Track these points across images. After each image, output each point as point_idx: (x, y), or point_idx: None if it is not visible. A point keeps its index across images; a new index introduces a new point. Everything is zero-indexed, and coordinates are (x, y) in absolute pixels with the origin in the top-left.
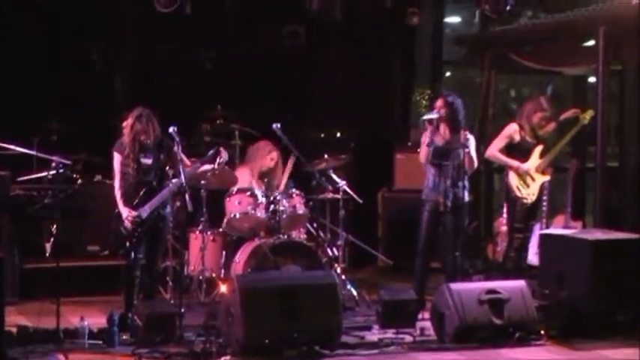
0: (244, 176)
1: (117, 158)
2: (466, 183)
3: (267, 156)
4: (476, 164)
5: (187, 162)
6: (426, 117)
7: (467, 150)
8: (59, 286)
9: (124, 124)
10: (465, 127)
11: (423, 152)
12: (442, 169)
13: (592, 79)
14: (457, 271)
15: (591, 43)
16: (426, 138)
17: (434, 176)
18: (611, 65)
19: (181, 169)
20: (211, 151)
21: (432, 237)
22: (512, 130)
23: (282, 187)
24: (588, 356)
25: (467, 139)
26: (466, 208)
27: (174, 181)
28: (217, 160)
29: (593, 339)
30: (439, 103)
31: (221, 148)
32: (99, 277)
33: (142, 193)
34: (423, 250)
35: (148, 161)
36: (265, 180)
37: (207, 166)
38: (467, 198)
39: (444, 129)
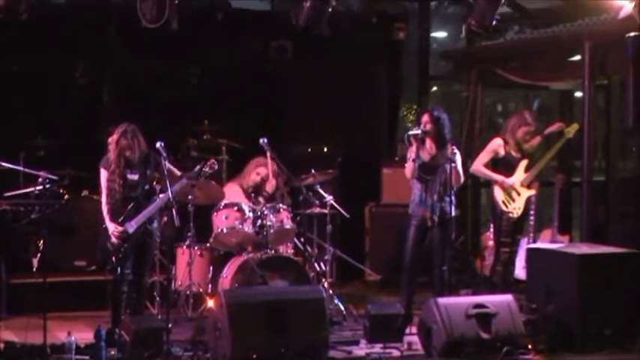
0: (234, 191)
1: (103, 174)
2: (453, 198)
3: (253, 171)
4: (462, 179)
5: (178, 173)
6: (411, 132)
7: (453, 165)
8: (46, 301)
9: (110, 139)
10: (451, 141)
11: (409, 167)
12: (428, 184)
13: (578, 94)
14: (445, 286)
15: (577, 57)
16: (411, 153)
17: (420, 191)
18: (597, 79)
19: (168, 185)
20: (198, 167)
21: (419, 252)
22: (496, 144)
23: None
24: None
25: (453, 154)
26: (453, 223)
27: (161, 196)
28: (203, 169)
29: (581, 353)
30: (425, 117)
31: (212, 160)
32: (86, 293)
33: (128, 208)
34: (409, 265)
35: (134, 177)
36: (252, 195)
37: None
38: (454, 212)
39: (430, 144)
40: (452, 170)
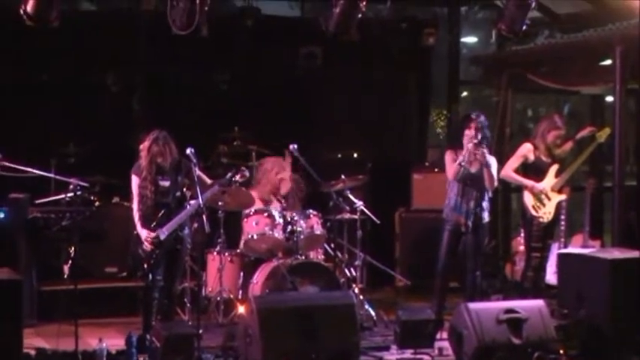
0: (257, 199)
1: (135, 181)
2: (487, 203)
3: (270, 173)
4: (496, 183)
5: (208, 180)
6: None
7: (486, 169)
8: (77, 307)
9: (141, 146)
10: (488, 146)
11: (455, 170)
12: (465, 189)
13: (609, 98)
14: (477, 291)
15: (608, 62)
16: (460, 156)
17: (456, 196)
18: (628, 84)
19: (199, 191)
20: (229, 174)
21: (452, 257)
22: (526, 149)
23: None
24: None
25: (494, 163)
26: (486, 229)
27: (192, 202)
28: (234, 177)
29: (612, 358)
30: (474, 125)
31: (242, 168)
32: (117, 299)
33: (160, 214)
34: (442, 270)
35: (166, 183)
36: (281, 200)
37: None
38: (487, 218)
39: (472, 150)
40: (487, 175)
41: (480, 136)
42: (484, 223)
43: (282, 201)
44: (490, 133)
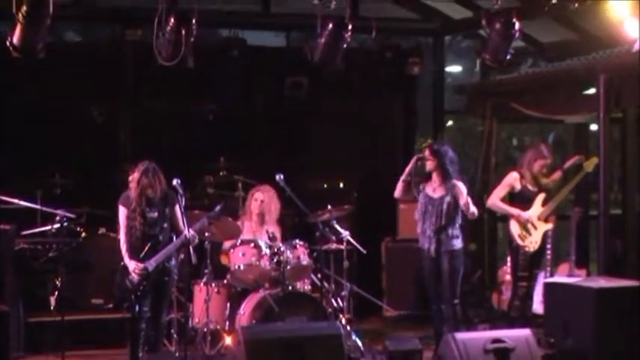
0: (246, 228)
1: (123, 212)
2: (454, 231)
3: (251, 199)
4: (472, 210)
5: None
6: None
7: (453, 199)
8: (64, 339)
9: (130, 178)
10: (458, 176)
11: (398, 186)
12: (425, 215)
13: (594, 127)
14: (458, 321)
15: (592, 91)
16: (404, 175)
17: (420, 223)
18: (612, 112)
19: (185, 222)
20: (218, 206)
21: (434, 282)
22: (512, 178)
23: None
24: None
25: (455, 187)
26: (457, 256)
27: (183, 233)
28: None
29: None
30: (426, 152)
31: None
32: (103, 331)
33: (148, 246)
34: (431, 296)
35: (154, 215)
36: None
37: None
38: (457, 246)
39: (435, 178)
40: (448, 205)
41: (433, 164)
42: (453, 250)
43: (270, 231)
44: (469, 161)
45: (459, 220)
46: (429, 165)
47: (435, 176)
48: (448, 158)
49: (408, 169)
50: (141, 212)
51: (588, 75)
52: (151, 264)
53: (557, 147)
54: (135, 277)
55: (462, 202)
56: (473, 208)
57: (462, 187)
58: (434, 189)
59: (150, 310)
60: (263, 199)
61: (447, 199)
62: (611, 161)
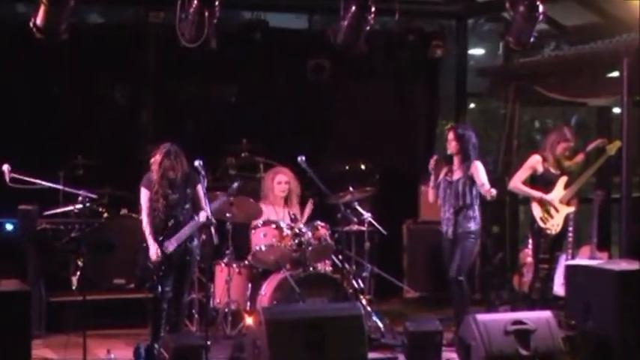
0: (268, 211)
1: (145, 194)
2: (471, 212)
3: (273, 183)
4: (492, 192)
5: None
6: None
7: (469, 180)
8: (86, 319)
9: (152, 160)
10: (476, 157)
11: (430, 194)
12: (445, 198)
13: (616, 110)
14: (464, 298)
15: (615, 74)
16: (431, 182)
17: (442, 207)
18: (636, 96)
19: (207, 202)
20: (235, 184)
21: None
22: (534, 161)
23: (303, 220)
24: None
25: (475, 169)
26: (472, 237)
27: (200, 214)
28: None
29: None
30: (450, 135)
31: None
32: (125, 311)
33: (169, 227)
34: (451, 279)
35: (176, 196)
36: (287, 206)
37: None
38: (473, 227)
39: (457, 162)
40: (464, 185)
41: (456, 148)
42: (469, 232)
43: (291, 213)
44: (491, 144)
45: (477, 202)
46: (452, 147)
47: (455, 160)
48: (472, 144)
49: (434, 176)
50: (163, 194)
51: (612, 58)
52: (172, 244)
53: (579, 130)
54: (155, 259)
55: (478, 181)
56: (489, 187)
57: (479, 166)
58: (453, 172)
59: (171, 290)
60: (288, 181)
61: (463, 179)
62: (634, 144)
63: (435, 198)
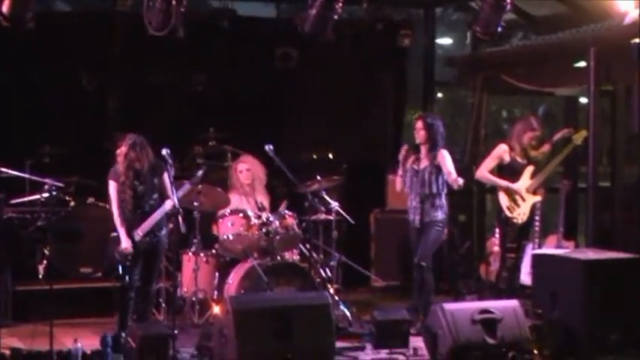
0: (236, 200)
1: (113, 186)
2: (437, 201)
3: (236, 172)
4: (459, 181)
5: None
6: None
7: (435, 168)
8: (52, 308)
9: (118, 152)
10: (443, 146)
11: (397, 183)
12: (412, 187)
13: (583, 100)
14: (425, 284)
15: (582, 64)
16: (398, 170)
17: (409, 196)
18: (602, 86)
19: (173, 191)
20: (199, 172)
21: None
22: (501, 150)
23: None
24: None
25: (442, 157)
26: (438, 226)
27: (167, 202)
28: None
29: (586, 358)
30: (419, 124)
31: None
32: (92, 299)
33: (138, 218)
34: (415, 264)
35: (143, 187)
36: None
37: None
38: (439, 216)
39: (424, 151)
40: (430, 174)
41: (424, 137)
42: (435, 221)
43: (259, 202)
44: (459, 133)
45: (443, 191)
46: (420, 137)
47: (422, 149)
48: (440, 133)
49: (402, 165)
50: (130, 185)
51: (579, 48)
52: (138, 234)
53: (547, 120)
54: (125, 249)
55: (445, 170)
56: (457, 177)
57: (446, 155)
58: (420, 161)
59: (139, 279)
60: (249, 168)
61: (430, 168)
62: (600, 134)
63: (403, 187)
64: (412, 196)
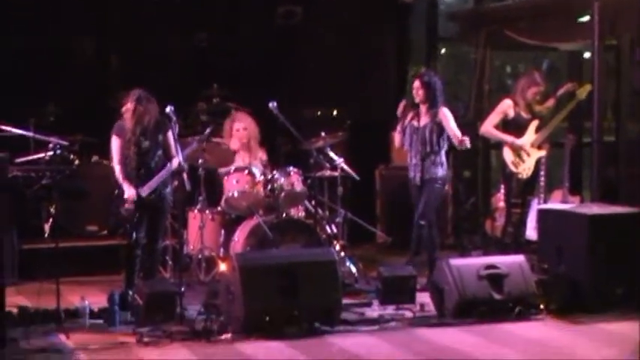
0: (237, 158)
1: (116, 141)
2: (438, 158)
3: (233, 131)
4: (466, 140)
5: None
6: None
7: (437, 126)
8: (58, 266)
9: (124, 108)
10: (443, 104)
11: (396, 139)
12: (412, 144)
13: (587, 55)
14: (422, 241)
15: (586, 18)
16: (398, 126)
17: (409, 154)
18: (606, 40)
19: (178, 149)
20: (207, 129)
21: None
22: (506, 105)
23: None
24: (588, 330)
25: (443, 116)
26: (438, 183)
27: (173, 161)
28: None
29: (592, 313)
30: (416, 83)
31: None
32: (98, 257)
33: (142, 174)
34: (415, 222)
35: (147, 143)
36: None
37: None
38: (440, 173)
39: (423, 109)
40: (431, 131)
41: (423, 96)
42: (435, 178)
43: (263, 158)
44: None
45: (444, 147)
46: (419, 96)
47: (422, 107)
48: (438, 90)
49: (401, 121)
50: (135, 141)
51: (582, 2)
52: (144, 190)
53: (550, 74)
54: (129, 204)
55: (449, 131)
56: (462, 137)
57: (447, 113)
58: (420, 118)
59: (145, 236)
60: (245, 127)
61: (431, 126)
62: (605, 89)
63: (402, 143)
64: (412, 153)
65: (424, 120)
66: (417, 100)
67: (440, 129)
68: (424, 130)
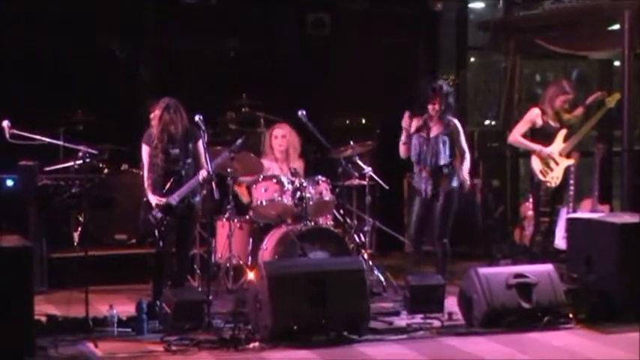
0: (269, 166)
1: (145, 150)
2: (451, 170)
3: (272, 138)
4: (466, 154)
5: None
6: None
7: (449, 137)
8: (87, 274)
9: (152, 115)
10: (453, 115)
11: (401, 150)
12: (420, 157)
13: (617, 63)
14: (447, 259)
15: (616, 27)
16: (403, 137)
17: (416, 164)
18: (637, 49)
19: (208, 158)
20: (239, 140)
21: (421, 224)
22: (534, 114)
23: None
24: (617, 340)
25: (454, 126)
26: (453, 195)
27: (202, 171)
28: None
29: (622, 322)
30: (431, 93)
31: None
32: (126, 266)
33: (170, 182)
34: (412, 238)
35: (176, 151)
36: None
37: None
38: (454, 185)
39: (435, 119)
40: (444, 143)
41: (437, 105)
42: (452, 190)
43: (292, 167)
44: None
45: (453, 157)
46: (434, 108)
47: (433, 117)
48: (451, 100)
49: (405, 131)
50: (163, 149)
51: (613, 11)
52: (174, 199)
53: (580, 83)
54: (158, 212)
55: (457, 142)
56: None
57: (459, 126)
58: (429, 129)
59: (174, 245)
60: (285, 134)
61: (443, 137)
62: (635, 97)
63: (407, 154)
64: (421, 165)
65: (435, 130)
66: (431, 109)
67: (451, 140)
68: (436, 141)
